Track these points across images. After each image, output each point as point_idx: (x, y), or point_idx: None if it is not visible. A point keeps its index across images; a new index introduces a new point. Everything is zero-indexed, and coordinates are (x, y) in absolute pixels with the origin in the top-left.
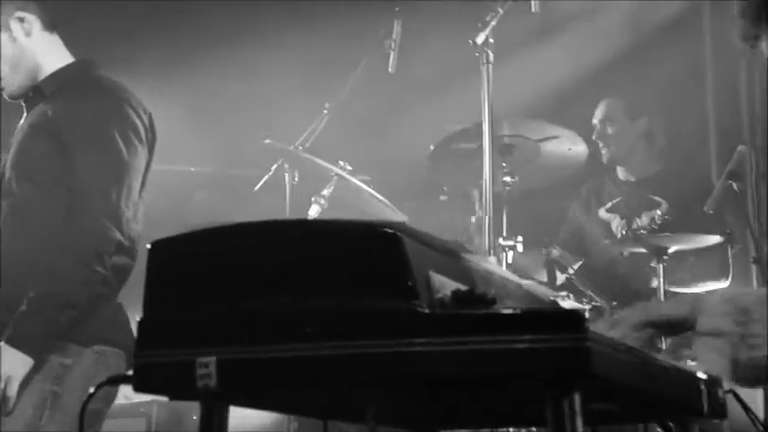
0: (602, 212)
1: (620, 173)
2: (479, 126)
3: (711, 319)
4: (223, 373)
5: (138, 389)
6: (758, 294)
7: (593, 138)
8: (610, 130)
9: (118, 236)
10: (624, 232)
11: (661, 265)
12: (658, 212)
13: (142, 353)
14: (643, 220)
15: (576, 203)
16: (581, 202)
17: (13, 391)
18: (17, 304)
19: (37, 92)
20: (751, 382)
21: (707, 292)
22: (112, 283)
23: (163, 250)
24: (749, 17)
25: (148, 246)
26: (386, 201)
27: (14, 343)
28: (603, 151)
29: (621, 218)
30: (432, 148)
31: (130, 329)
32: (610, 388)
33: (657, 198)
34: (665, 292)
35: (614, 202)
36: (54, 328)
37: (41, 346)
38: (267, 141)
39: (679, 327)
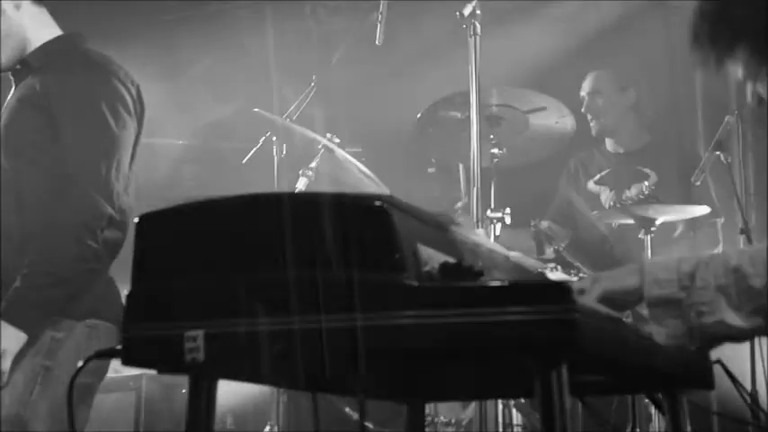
0: (591, 185)
1: (609, 145)
2: (467, 94)
3: (657, 287)
4: (211, 347)
5: (126, 362)
6: (700, 259)
7: (582, 110)
8: (598, 103)
9: (109, 210)
10: (613, 204)
11: (649, 237)
12: (646, 183)
13: (130, 326)
14: (632, 192)
15: (565, 176)
16: (569, 174)
17: (6, 365)
18: (11, 280)
19: (25, 65)
20: (704, 348)
21: (652, 259)
22: (104, 257)
23: (150, 224)
24: (705, 41)
25: (136, 220)
26: (371, 174)
27: (9, 318)
28: (592, 124)
29: (610, 190)
30: (419, 115)
31: (122, 303)
32: (597, 359)
33: (646, 170)
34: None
35: (603, 174)
36: (48, 304)
37: (35, 322)
38: (256, 110)
39: (631, 298)
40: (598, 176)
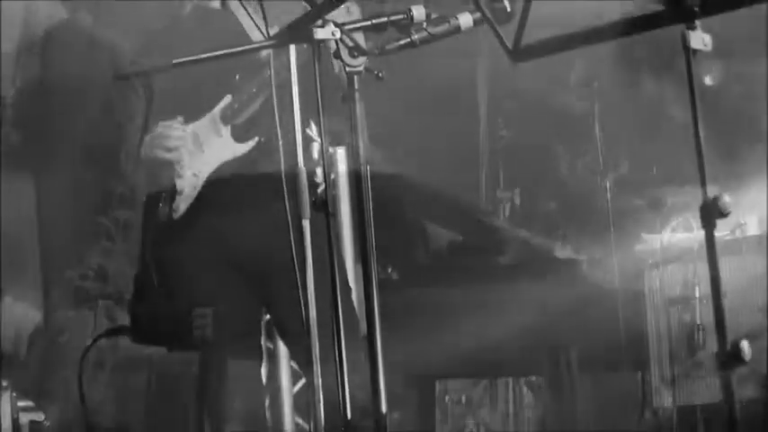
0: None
1: (597, 128)
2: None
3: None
4: (220, 324)
5: (135, 340)
6: None
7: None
8: (584, 87)
9: (119, 187)
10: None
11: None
12: (622, 171)
13: (138, 304)
14: (609, 179)
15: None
16: (567, 155)
17: (22, 344)
18: (24, 259)
19: (31, 49)
20: None
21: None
22: (116, 235)
23: (158, 202)
24: None
25: (144, 198)
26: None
27: (24, 298)
28: (578, 104)
29: (593, 174)
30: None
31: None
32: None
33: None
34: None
35: (586, 160)
36: (63, 283)
37: (50, 301)
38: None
39: None
40: (580, 165)
